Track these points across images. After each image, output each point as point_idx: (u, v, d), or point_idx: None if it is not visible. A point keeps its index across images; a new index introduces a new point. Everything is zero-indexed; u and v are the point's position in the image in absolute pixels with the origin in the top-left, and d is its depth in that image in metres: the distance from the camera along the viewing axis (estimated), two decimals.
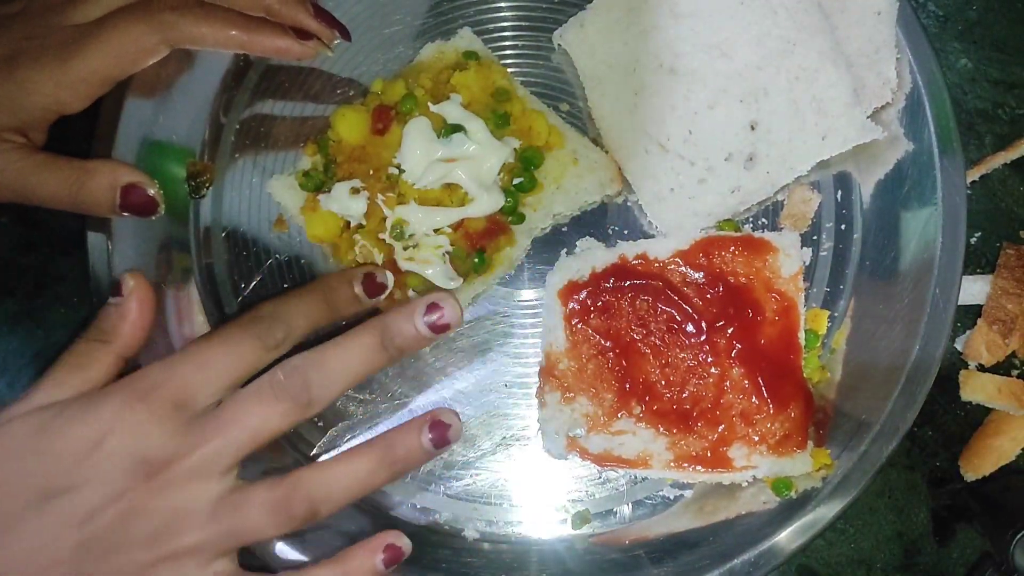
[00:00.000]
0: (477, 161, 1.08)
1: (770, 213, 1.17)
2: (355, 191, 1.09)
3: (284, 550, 0.99)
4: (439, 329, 0.90)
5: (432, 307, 0.90)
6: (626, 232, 1.17)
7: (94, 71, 0.87)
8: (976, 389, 1.16)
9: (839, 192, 1.17)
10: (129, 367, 0.84)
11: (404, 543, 0.87)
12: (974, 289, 1.19)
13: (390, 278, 1.04)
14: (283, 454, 1.12)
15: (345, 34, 1.06)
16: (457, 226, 1.08)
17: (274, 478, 0.81)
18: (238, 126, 1.22)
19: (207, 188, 1.20)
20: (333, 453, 1.12)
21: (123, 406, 0.75)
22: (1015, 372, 1.19)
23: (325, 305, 0.89)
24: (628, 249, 1.10)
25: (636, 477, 1.10)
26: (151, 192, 0.89)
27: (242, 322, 0.80)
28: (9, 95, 0.84)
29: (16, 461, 0.76)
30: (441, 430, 0.85)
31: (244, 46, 0.98)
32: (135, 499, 0.73)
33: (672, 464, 1.04)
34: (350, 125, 1.11)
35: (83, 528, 0.73)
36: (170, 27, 0.88)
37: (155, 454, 0.74)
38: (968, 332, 1.19)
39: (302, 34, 1.02)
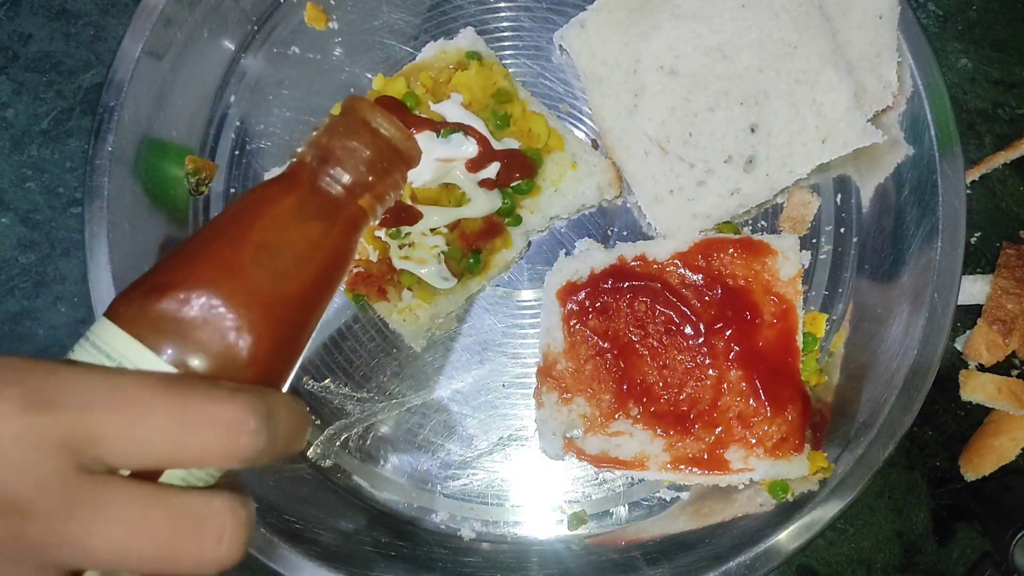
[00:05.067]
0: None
1: (769, 216, 1.17)
2: None
3: (282, 551, 0.99)
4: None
5: None
6: (625, 233, 1.17)
7: None
8: (976, 389, 1.16)
9: (839, 195, 1.17)
10: None
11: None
12: (974, 289, 1.19)
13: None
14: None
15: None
16: (453, 226, 1.08)
17: None
18: (238, 122, 1.22)
19: (207, 185, 1.20)
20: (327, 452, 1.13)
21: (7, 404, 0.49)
22: (1015, 372, 1.19)
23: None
24: (627, 250, 1.10)
25: (633, 479, 1.11)
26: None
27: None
28: None
29: None
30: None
31: None
32: None
33: (669, 466, 1.04)
34: None
35: None
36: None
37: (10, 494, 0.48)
38: (968, 332, 1.19)
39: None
